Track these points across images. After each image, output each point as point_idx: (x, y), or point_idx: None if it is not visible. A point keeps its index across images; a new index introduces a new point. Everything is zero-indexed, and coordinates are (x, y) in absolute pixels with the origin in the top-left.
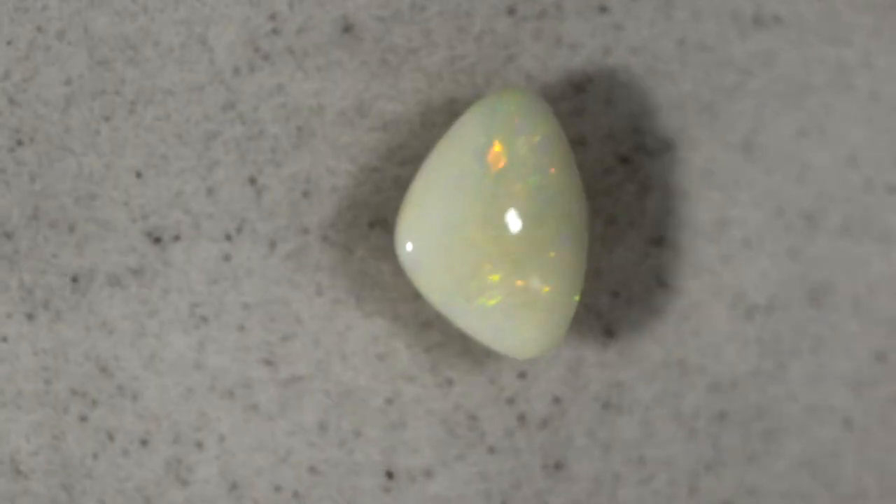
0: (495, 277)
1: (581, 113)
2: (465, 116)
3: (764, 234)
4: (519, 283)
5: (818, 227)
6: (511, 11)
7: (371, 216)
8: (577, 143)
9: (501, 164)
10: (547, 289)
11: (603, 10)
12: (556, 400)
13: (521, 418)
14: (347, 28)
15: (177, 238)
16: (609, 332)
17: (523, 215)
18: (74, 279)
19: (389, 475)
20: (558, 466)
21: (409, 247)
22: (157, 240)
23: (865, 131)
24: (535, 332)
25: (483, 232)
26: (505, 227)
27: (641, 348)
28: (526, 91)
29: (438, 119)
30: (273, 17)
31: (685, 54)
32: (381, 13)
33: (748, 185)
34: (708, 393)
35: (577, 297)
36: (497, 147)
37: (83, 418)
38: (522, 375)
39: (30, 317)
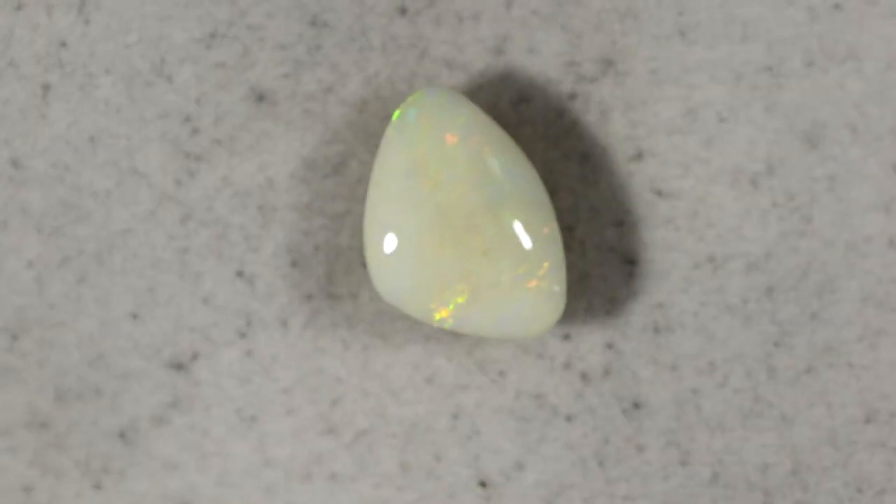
0: (475, 274)
1: (512, 73)
2: (384, 140)
3: (734, 103)
4: (500, 270)
5: (783, 74)
6: (402, 11)
7: (362, 257)
8: (522, 101)
9: (433, 170)
10: (522, 269)
11: None
12: (609, 345)
13: (584, 377)
14: (259, 98)
15: (195, 357)
16: (630, 260)
17: (475, 206)
18: (122, 435)
19: (483, 484)
20: (637, 406)
21: (384, 285)
22: (179, 366)
23: None
24: (535, 305)
25: (445, 238)
26: (465, 221)
27: (666, 261)
28: (428, 90)
29: (381, 141)
30: (187, 118)
31: None
32: (283, 69)
33: (698, 66)
34: (748, 275)
35: (561, 251)
36: (421, 157)
37: None
38: (567, 338)
39: (97, 487)
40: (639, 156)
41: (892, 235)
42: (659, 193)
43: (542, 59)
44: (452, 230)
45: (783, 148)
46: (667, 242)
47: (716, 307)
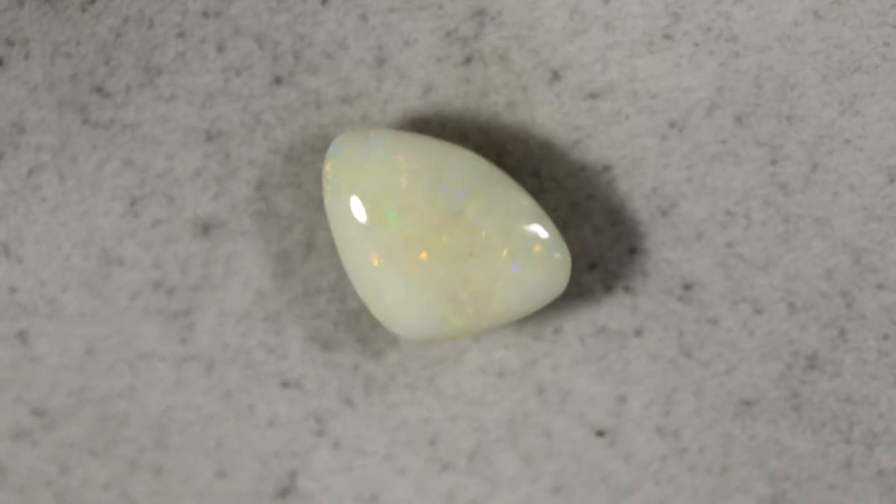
0: (475, 276)
1: (404, 72)
2: (326, 207)
3: None
4: (494, 258)
5: None
6: (278, 80)
7: (364, 330)
8: (429, 90)
9: (385, 208)
10: (512, 246)
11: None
12: (632, 250)
13: (628, 290)
14: (206, 228)
15: (294, 476)
16: (605, 167)
17: (441, 218)
18: None
19: (601, 433)
20: (688, 287)
21: (406, 331)
22: (285, 492)
23: None
24: (546, 266)
25: (429, 261)
26: (439, 237)
27: (637, 149)
28: (335, 144)
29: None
30: (157, 284)
31: None
32: (211, 192)
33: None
34: (711, 117)
35: (544, 214)
36: (369, 202)
37: None
38: (593, 266)
39: None
40: (556, 76)
41: (815, 9)
42: (593, 96)
43: (422, 45)
44: (432, 251)
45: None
46: (627, 132)
47: (702, 162)
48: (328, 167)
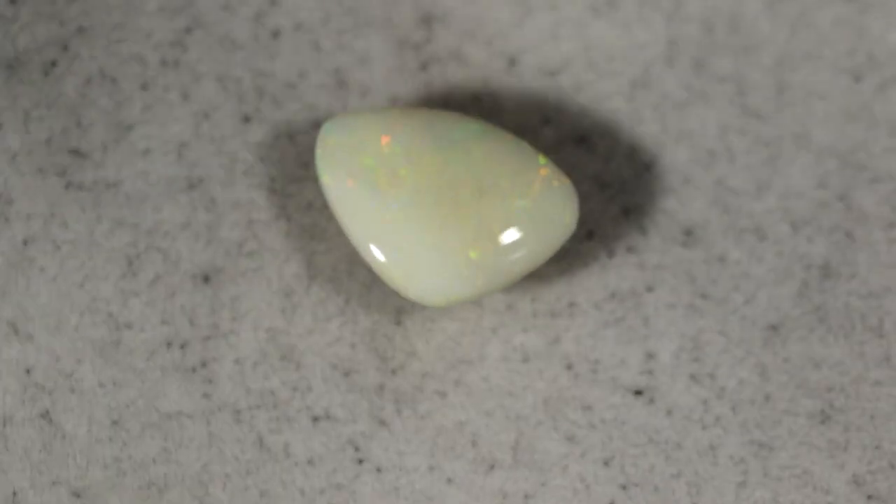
0: (488, 213)
1: (367, 89)
2: (326, 190)
3: None
4: (503, 190)
5: None
6: (246, 118)
7: (393, 323)
8: (392, 103)
9: (387, 173)
10: (521, 177)
11: (275, 36)
12: (624, 211)
13: (630, 250)
14: (206, 279)
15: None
16: (582, 140)
17: (443, 168)
18: None
19: (638, 392)
20: (688, 232)
21: (431, 294)
22: None
23: None
24: (554, 194)
25: (441, 213)
26: (445, 188)
27: (605, 108)
28: (327, 126)
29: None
30: (169, 342)
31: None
32: (202, 240)
33: None
34: (668, 68)
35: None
36: (371, 169)
37: None
38: (590, 235)
39: None
40: (513, 62)
41: None
42: (553, 73)
43: (378, 60)
44: (442, 201)
45: None
46: (593, 99)
47: (673, 111)
48: (320, 152)
